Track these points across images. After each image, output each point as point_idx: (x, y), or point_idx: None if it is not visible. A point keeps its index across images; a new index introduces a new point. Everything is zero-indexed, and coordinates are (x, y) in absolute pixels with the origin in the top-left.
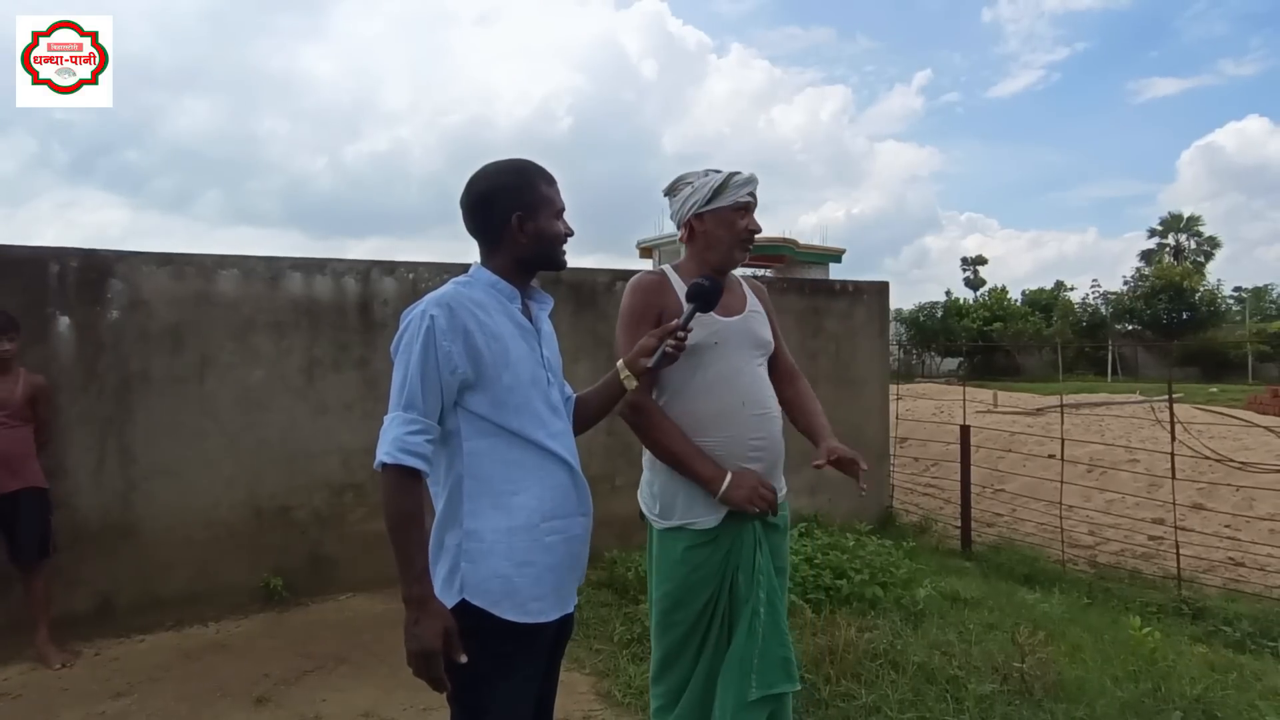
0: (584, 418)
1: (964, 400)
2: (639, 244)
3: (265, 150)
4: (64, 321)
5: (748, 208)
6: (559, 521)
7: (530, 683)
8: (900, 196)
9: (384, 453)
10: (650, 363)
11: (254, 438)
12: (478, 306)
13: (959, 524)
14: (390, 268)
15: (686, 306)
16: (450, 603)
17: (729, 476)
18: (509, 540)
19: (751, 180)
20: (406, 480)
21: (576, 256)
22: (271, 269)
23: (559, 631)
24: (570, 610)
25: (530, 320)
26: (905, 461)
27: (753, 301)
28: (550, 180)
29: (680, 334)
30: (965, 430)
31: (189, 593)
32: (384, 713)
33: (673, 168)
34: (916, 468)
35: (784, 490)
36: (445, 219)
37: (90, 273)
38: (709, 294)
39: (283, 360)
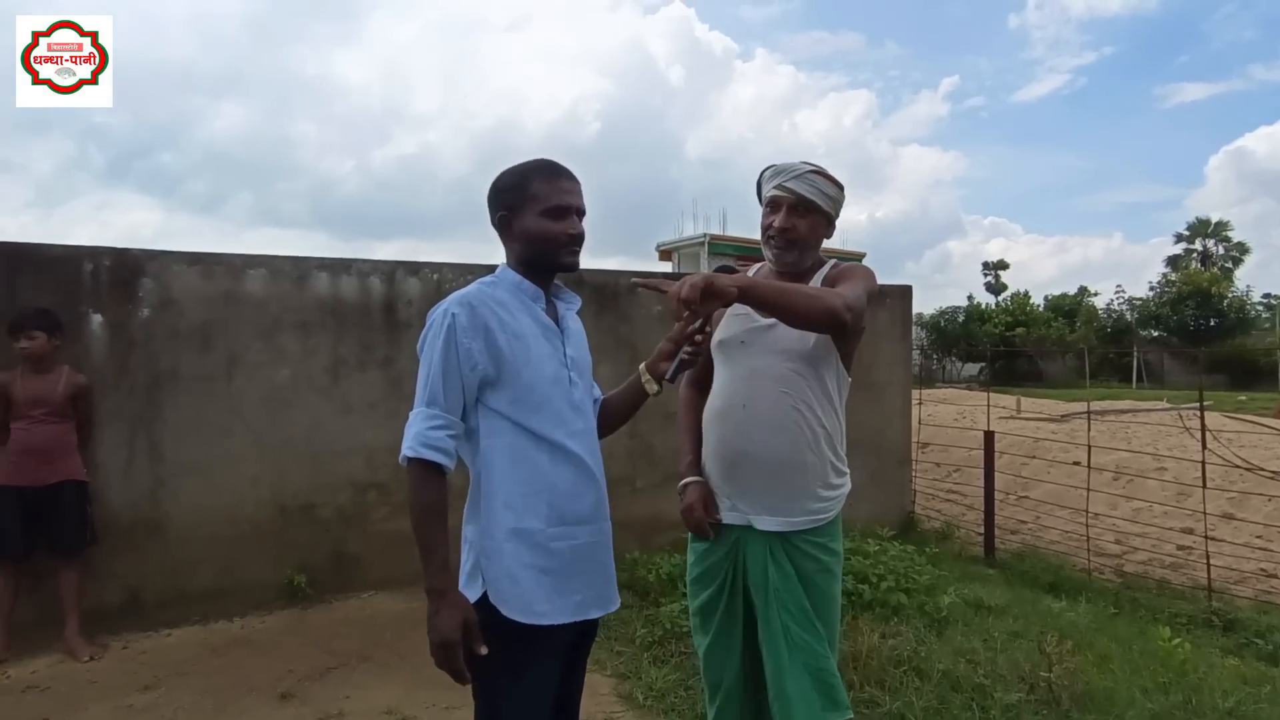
0: (608, 420)
1: (987, 406)
2: (659, 246)
3: (295, 153)
4: (96, 319)
5: (774, 204)
6: (571, 527)
7: (543, 683)
8: (923, 201)
9: (407, 447)
10: (669, 369)
11: (279, 436)
12: (500, 305)
13: (982, 531)
14: (415, 268)
15: None
16: (473, 596)
17: (685, 484)
18: (515, 541)
19: (783, 172)
20: (429, 474)
21: (598, 259)
22: (298, 269)
23: (579, 636)
24: (589, 617)
25: (556, 320)
26: (927, 467)
27: None
28: (552, 177)
29: (698, 337)
30: (989, 436)
31: (215, 588)
32: (407, 710)
33: (695, 172)
34: (938, 473)
35: (775, 518)
36: (470, 221)
37: (123, 272)
38: None
39: (308, 359)
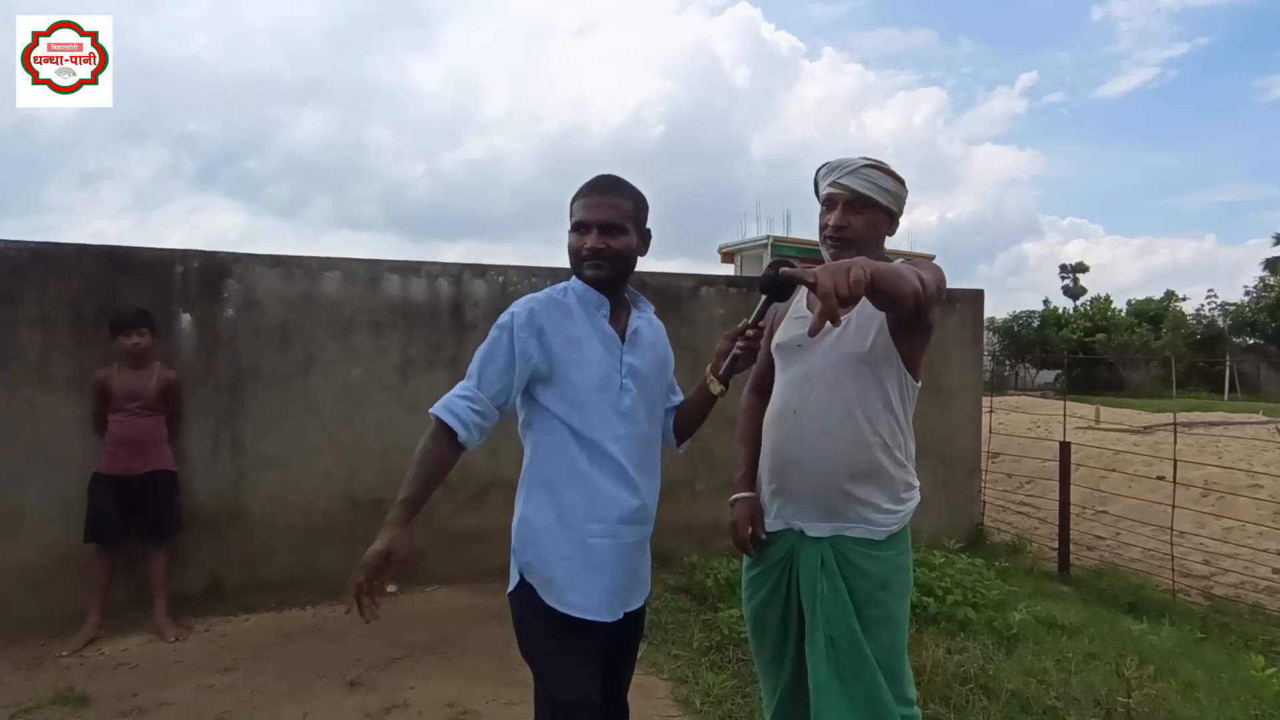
0: (683, 424)
1: (1064, 415)
2: (721, 249)
3: (370, 158)
4: (186, 319)
5: (829, 201)
6: (608, 525)
7: (582, 668)
8: (997, 201)
9: (434, 406)
10: (722, 367)
11: (352, 433)
12: (562, 310)
13: (1056, 545)
14: (481, 271)
15: (761, 299)
16: (515, 576)
17: (734, 499)
18: (553, 533)
19: (838, 168)
20: (439, 431)
21: (660, 261)
22: (371, 271)
23: (618, 631)
24: (621, 615)
25: (623, 327)
26: (997, 477)
27: (866, 305)
28: (581, 194)
29: (749, 332)
30: (1065, 447)
31: (290, 577)
32: (468, 704)
33: (760, 173)
34: (1009, 484)
35: (826, 525)
36: (535, 224)
37: (210, 273)
38: (780, 284)
39: (379, 359)
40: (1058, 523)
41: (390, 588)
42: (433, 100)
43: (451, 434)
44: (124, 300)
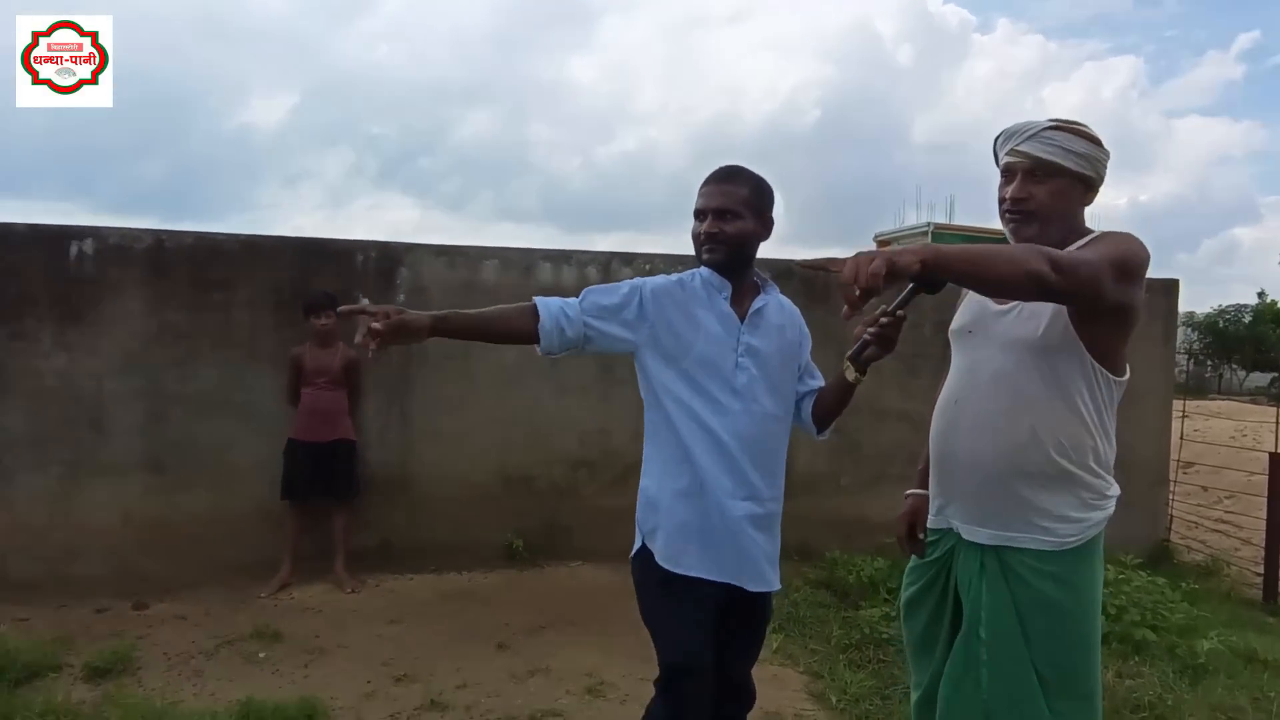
0: (822, 411)
1: (1276, 424)
2: (876, 237)
3: (530, 153)
4: (364, 303)
5: (1008, 172)
6: (714, 499)
7: (688, 631)
8: (1202, 180)
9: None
10: (855, 354)
11: (506, 412)
12: (686, 291)
13: (1261, 570)
14: (629, 259)
15: (907, 286)
16: (636, 541)
17: (908, 493)
18: (665, 501)
19: (1017, 134)
20: (526, 308)
21: (812, 248)
22: (526, 259)
23: (736, 613)
24: (733, 582)
25: (746, 309)
26: (1190, 490)
27: None
28: (704, 183)
29: (884, 319)
30: (1275, 459)
31: (448, 544)
32: (604, 674)
33: (921, 158)
34: (1205, 499)
35: (984, 530)
36: (686, 214)
37: (385, 262)
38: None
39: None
40: (1265, 544)
41: (375, 324)
42: (589, 95)
43: (534, 319)
44: (315, 285)
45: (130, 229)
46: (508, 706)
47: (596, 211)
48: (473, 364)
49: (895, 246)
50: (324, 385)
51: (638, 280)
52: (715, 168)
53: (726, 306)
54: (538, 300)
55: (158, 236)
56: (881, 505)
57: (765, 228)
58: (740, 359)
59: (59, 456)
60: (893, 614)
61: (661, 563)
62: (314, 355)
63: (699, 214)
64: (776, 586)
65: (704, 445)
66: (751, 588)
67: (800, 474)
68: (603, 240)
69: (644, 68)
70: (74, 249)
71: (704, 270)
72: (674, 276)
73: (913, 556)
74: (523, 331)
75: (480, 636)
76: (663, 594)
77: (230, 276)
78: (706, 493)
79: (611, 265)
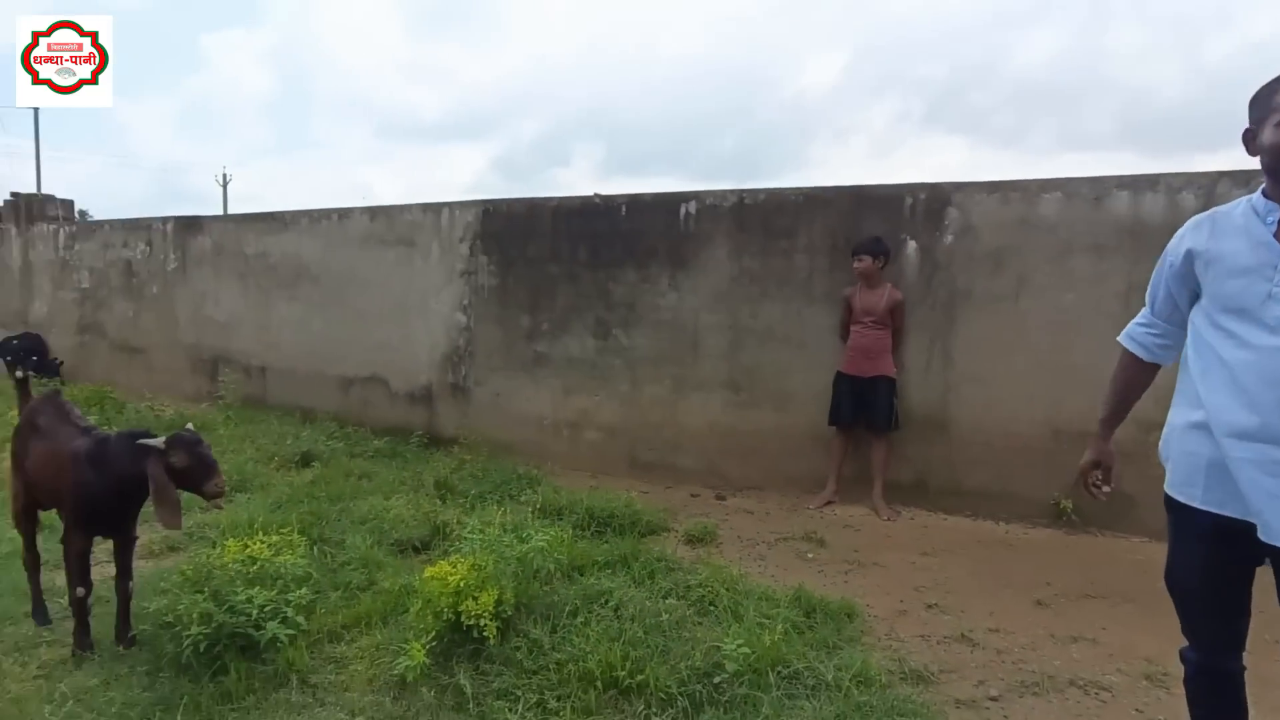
0: None
1: None
2: None
3: (1107, 68)
4: (911, 245)
5: None
6: (1220, 437)
7: (1183, 559)
8: None
9: (1119, 334)
10: None
11: (1060, 360)
12: (1216, 225)
13: None
14: (1245, 178)
15: None
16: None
17: None
18: (1177, 434)
19: None
20: (1123, 356)
21: None
22: (1095, 189)
23: (1236, 541)
24: (1238, 518)
25: None
26: None
27: None
28: None
29: None
30: None
31: (984, 491)
32: (1167, 666)
33: None
34: None
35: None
36: None
37: (933, 203)
38: None
39: (1099, 284)
40: None
41: (1105, 488)
42: None
43: (1135, 356)
44: (865, 231)
45: (720, 190)
46: (1045, 665)
47: (1197, 125)
48: (1023, 306)
49: None
50: (870, 324)
51: (1169, 245)
52: None
53: (1264, 234)
54: (1124, 343)
55: (740, 195)
56: None
57: None
58: (1276, 289)
59: (670, 372)
60: None
61: (1168, 490)
62: (862, 296)
63: None
64: None
65: (1213, 382)
66: (1264, 537)
67: None
68: (1208, 161)
69: None
70: (683, 209)
71: (1255, 195)
72: (1206, 213)
73: None
74: (1144, 378)
75: (1016, 588)
76: (1171, 520)
77: (792, 225)
78: (1213, 429)
79: (1217, 189)
